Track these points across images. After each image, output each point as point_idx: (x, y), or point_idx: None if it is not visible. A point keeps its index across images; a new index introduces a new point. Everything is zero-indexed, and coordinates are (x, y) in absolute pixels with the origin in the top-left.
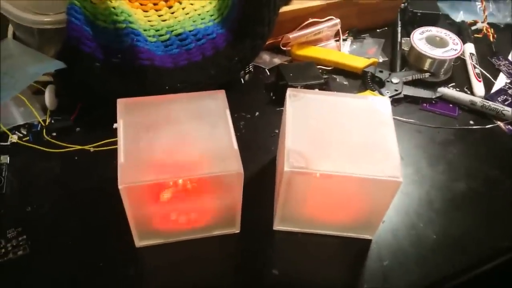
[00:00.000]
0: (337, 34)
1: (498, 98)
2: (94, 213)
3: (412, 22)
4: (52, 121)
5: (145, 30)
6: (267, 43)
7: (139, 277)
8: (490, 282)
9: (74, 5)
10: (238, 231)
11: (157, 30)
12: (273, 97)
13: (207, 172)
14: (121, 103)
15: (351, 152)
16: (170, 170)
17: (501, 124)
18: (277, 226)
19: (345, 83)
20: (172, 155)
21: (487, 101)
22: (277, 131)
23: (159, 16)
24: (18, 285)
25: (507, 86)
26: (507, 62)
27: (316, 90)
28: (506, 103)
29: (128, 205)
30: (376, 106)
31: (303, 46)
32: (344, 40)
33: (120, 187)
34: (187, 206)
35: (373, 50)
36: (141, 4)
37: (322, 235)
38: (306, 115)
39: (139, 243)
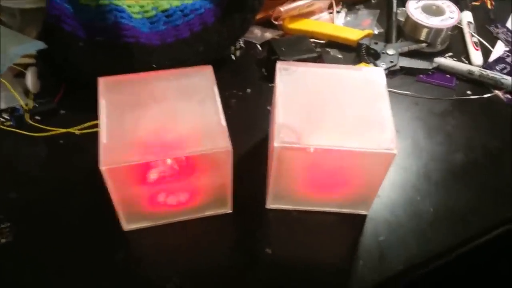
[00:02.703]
0: (330, 6)
1: (496, 67)
2: (80, 197)
3: None
4: (36, 105)
5: (129, 7)
6: (257, 17)
7: (128, 262)
8: (489, 254)
9: None
10: (230, 211)
11: (141, 6)
12: (265, 73)
13: (195, 150)
14: (102, 81)
15: (344, 125)
16: (155, 149)
17: (499, 93)
18: (270, 205)
19: (339, 56)
20: (158, 134)
21: (485, 70)
22: (269, 108)
23: None
24: (2, 273)
25: (505, 54)
26: (505, 30)
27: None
28: (505, 71)
29: (112, 187)
30: (370, 77)
31: (295, 19)
32: (338, 12)
33: (102, 168)
34: (176, 186)
35: (368, 22)
36: None
37: (316, 212)
38: (298, 89)
39: (127, 226)
